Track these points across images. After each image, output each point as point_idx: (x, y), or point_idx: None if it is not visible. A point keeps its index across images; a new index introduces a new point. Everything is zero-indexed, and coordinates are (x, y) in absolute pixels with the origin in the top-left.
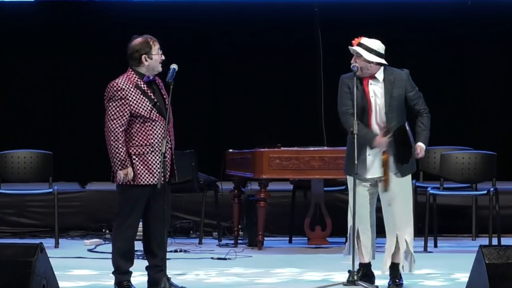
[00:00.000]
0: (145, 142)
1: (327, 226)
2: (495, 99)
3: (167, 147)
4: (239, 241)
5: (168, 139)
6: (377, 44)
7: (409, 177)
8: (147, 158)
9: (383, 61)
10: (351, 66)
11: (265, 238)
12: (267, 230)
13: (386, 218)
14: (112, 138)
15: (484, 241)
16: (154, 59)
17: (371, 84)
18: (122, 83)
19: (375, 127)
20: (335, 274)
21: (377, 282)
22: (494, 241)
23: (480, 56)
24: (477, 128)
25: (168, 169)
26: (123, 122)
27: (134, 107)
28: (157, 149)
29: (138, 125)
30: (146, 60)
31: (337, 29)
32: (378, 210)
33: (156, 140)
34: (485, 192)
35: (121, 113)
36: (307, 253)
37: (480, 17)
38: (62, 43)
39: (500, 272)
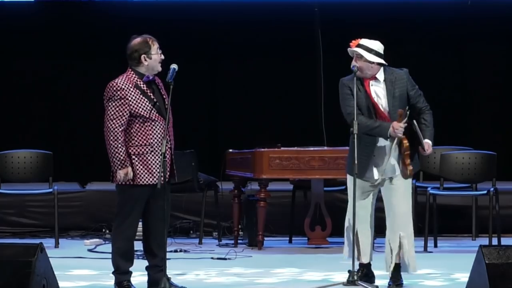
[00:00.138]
0: (145, 142)
1: (327, 226)
2: (495, 99)
3: (166, 147)
4: (239, 241)
5: (167, 139)
6: (376, 45)
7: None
8: (147, 158)
9: (383, 61)
10: (351, 66)
11: (265, 238)
12: (267, 230)
13: (389, 218)
14: (111, 138)
15: (484, 241)
16: (154, 59)
17: (372, 85)
18: (121, 83)
19: None
20: (335, 274)
21: (377, 282)
22: (494, 241)
23: (480, 56)
24: (477, 128)
25: (168, 169)
26: (122, 122)
27: (133, 107)
28: (156, 149)
29: (137, 125)
30: (145, 60)
31: (337, 29)
32: (378, 210)
33: (155, 140)
34: (485, 192)
35: (120, 113)
36: (307, 253)
37: (480, 17)
38: (62, 43)
39: (500, 272)
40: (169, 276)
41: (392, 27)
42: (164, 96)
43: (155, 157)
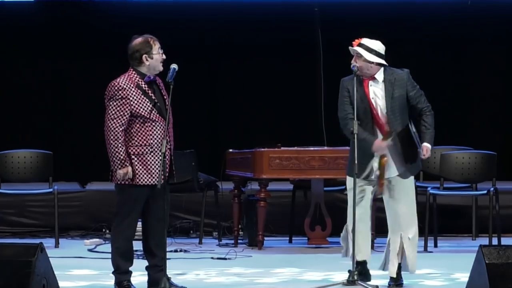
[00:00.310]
0: (145, 142)
1: (327, 226)
2: (495, 99)
3: (166, 148)
4: (239, 241)
5: (167, 139)
6: (377, 45)
7: (412, 177)
8: (146, 158)
9: (383, 61)
10: (351, 66)
11: (265, 238)
12: (267, 230)
13: (390, 219)
14: (111, 137)
15: (484, 241)
16: (155, 59)
17: (371, 85)
18: (123, 82)
19: (377, 129)
20: (335, 274)
21: (377, 282)
22: (494, 241)
23: (480, 56)
24: (477, 128)
25: (167, 170)
26: (123, 121)
27: (134, 107)
28: (156, 149)
29: (138, 125)
30: (147, 60)
31: (337, 29)
32: (378, 210)
33: (155, 141)
34: (485, 192)
35: (121, 113)
36: (307, 253)
37: (480, 17)
38: (62, 43)
39: (500, 272)
40: (169, 276)
41: (392, 27)
42: (165, 97)
43: (154, 158)
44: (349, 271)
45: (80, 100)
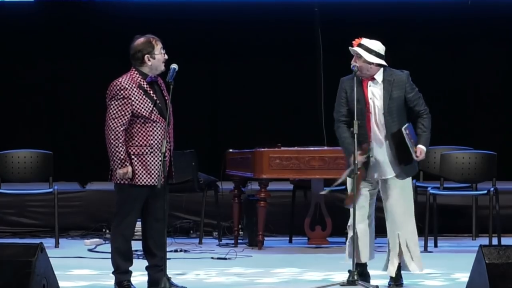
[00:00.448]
0: (145, 142)
1: (327, 226)
2: (495, 99)
3: (166, 148)
4: (239, 241)
5: (167, 139)
6: (377, 45)
7: (409, 178)
8: (146, 159)
9: (383, 62)
10: (351, 66)
11: (265, 238)
12: (267, 230)
13: (387, 219)
14: (112, 136)
15: (484, 241)
16: (157, 59)
17: (370, 86)
18: (125, 82)
19: (374, 129)
20: (335, 274)
21: (377, 282)
22: (494, 241)
23: (480, 56)
24: (477, 128)
25: (166, 170)
26: (124, 121)
27: (136, 107)
28: (156, 150)
29: (138, 125)
30: (149, 60)
31: (337, 29)
32: (379, 210)
33: (155, 141)
34: (485, 192)
35: (122, 113)
36: (307, 253)
37: (480, 17)
38: (62, 43)
39: (500, 272)
40: (169, 276)
41: (392, 27)
42: (166, 97)
43: (154, 158)
44: (349, 271)
45: (80, 100)
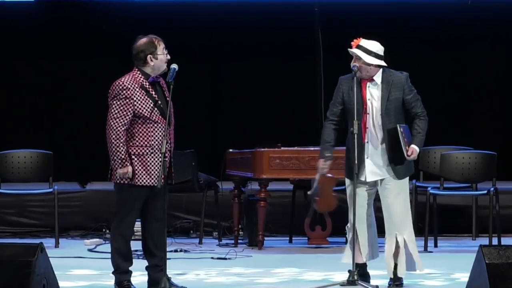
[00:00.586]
0: (146, 143)
1: (327, 226)
2: (495, 99)
3: (166, 149)
4: (239, 241)
5: (168, 140)
6: (376, 46)
7: (406, 178)
8: (146, 159)
9: (382, 63)
10: (351, 66)
11: (265, 238)
12: (267, 230)
13: (385, 219)
14: (113, 136)
15: (484, 241)
16: (160, 59)
17: (369, 86)
18: (127, 82)
19: (371, 130)
20: (335, 274)
21: (377, 282)
22: (494, 241)
23: (480, 56)
24: (477, 128)
25: (166, 171)
26: (125, 121)
27: (137, 107)
28: (156, 150)
29: (139, 126)
30: (151, 60)
31: (337, 29)
32: (379, 210)
33: (156, 142)
34: (485, 192)
35: (124, 112)
36: (307, 253)
37: (480, 17)
38: (62, 43)
39: (500, 272)
40: (169, 276)
41: (392, 27)
42: (168, 99)
43: (154, 159)
44: (349, 271)
45: (80, 100)
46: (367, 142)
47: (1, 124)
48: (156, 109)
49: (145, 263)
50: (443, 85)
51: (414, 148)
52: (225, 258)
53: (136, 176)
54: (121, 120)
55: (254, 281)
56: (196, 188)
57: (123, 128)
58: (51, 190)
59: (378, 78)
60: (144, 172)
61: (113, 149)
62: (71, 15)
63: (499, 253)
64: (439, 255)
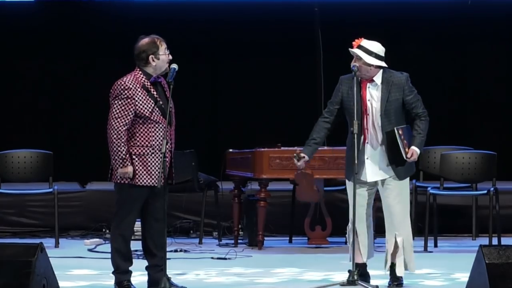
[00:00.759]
0: (146, 143)
1: (327, 226)
2: (495, 99)
3: (167, 149)
4: (239, 241)
5: (168, 140)
6: (377, 47)
7: (407, 179)
8: (147, 159)
9: (383, 63)
10: (352, 66)
11: (265, 238)
12: (267, 230)
13: (385, 219)
14: (114, 136)
15: (484, 241)
16: (162, 59)
17: (369, 87)
18: (129, 82)
19: (371, 131)
20: (335, 274)
21: (377, 282)
22: (494, 241)
23: (480, 56)
24: (477, 128)
25: (167, 171)
26: (127, 121)
27: (138, 107)
28: (157, 150)
29: (140, 126)
30: (153, 60)
31: (337, 29)
32: (379, 210)
33: (157, 142)
34: (485, 192)
35: (125, 112)
36: (307, 253)
37: (480, 17)
38: (62, 43)
39: (500, 272)
40: (169, 276)
41: (392, 27)
42: (169, 98)
43: (155, 159)
44: (349, 271)
45: (80, 100)
46: (367, 142)
47: (1, 124)
48: (157, 109)
49: (145, 263)
50: (443, 85)
51: (414, 150)
52: (225, 258)
53: (137, 176)
54: (122, 120)
55: (254, 281)
56: (196, 188)
57: (124, 128)
58: (51, 190)
59: (378, 79)
60: (144, 172)
61: (114, 148)
62: (71, 15)
63: (499, 253)
64: (439, 255)
